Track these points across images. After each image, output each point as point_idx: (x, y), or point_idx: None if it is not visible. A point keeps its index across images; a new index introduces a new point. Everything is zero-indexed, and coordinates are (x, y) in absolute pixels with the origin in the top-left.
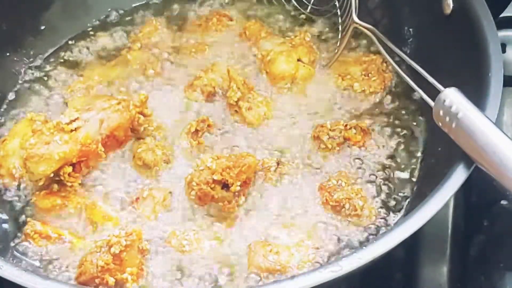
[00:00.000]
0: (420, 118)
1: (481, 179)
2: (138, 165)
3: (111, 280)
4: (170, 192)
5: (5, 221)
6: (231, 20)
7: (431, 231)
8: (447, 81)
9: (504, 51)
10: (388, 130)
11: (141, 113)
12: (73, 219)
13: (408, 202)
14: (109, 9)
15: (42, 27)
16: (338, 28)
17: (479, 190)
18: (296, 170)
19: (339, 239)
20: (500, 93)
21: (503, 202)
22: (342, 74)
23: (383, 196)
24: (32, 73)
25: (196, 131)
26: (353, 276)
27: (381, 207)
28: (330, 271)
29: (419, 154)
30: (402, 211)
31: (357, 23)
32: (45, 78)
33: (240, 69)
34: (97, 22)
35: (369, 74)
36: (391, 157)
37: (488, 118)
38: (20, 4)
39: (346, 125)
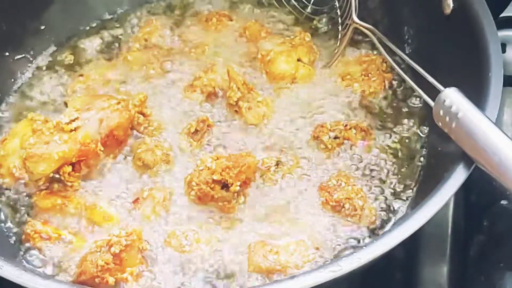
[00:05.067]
0: (420, 118)
1: (481, 179)
2: (138, 165)
3: (111, 280)
4: (170, 192)
5: (5, 221)
6: (231, 20)
7: (431, 231)
8: (447, 81)
9: (504, 51)
10: (388, 130)
11: (140, 112)
12: (74, 219)
13: (408, 202)
14: (109, 9)
15: (42, 27)
16: (338, 29)
17: (479, 190)
18: (296, 170)
19: (339, 239)
20: (500, 93)
21: (503, 202)
22: (342, 74)
23: (383, 196)
24: (32, 73)
25: (196, 131)
26: (353, 276)
27: (381, 207)
28: (330, 271)
29: (419, 154)
30: (402, 211)
31: (357, 23)
32: (45, 78)
33: (240, 69)
34: (97, 22)
35: (369, 74)
36: (391, 157)
37: (488, 118)
38: (20, 4)
39: (346, 125)
